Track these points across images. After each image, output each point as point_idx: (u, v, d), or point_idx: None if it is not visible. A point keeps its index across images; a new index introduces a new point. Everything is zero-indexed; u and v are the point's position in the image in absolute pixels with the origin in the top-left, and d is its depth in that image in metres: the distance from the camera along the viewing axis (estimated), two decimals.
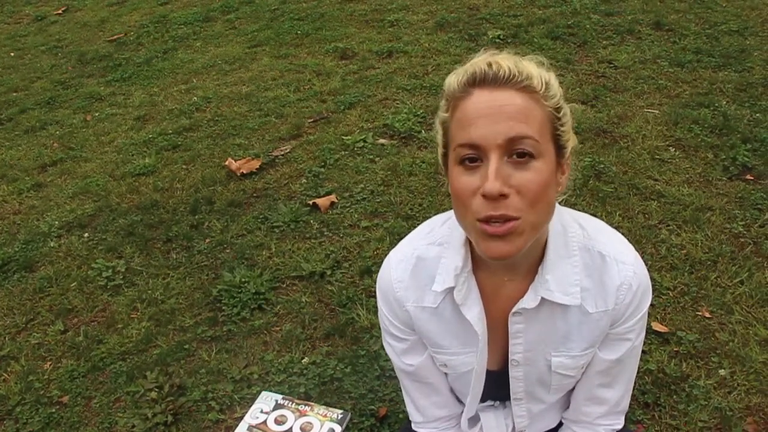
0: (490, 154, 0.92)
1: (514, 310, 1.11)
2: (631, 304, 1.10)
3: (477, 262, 1.12)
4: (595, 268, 1.10)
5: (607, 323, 1.12)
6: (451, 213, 1.13)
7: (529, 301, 1.09)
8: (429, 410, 1.33)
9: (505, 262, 1.00)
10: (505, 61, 0.95)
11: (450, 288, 1.12)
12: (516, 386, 1.23)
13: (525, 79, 0.93)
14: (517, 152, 0.92)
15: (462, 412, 1.33)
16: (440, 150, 1.04)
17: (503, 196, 0.92)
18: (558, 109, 0.98)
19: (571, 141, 1.02)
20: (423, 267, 1.16)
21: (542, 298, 1.09)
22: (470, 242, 1.10)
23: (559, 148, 0.99)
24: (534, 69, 0.96)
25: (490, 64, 0.95)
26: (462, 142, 0.95)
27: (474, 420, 1.34)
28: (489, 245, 0.95)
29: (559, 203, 1.10)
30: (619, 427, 1.28)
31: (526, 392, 1.24)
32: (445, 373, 1.28)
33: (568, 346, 1.15)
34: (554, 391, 1.23)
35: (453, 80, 0.98)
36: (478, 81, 0.95)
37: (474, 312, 1.13)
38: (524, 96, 0.93)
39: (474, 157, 0.94)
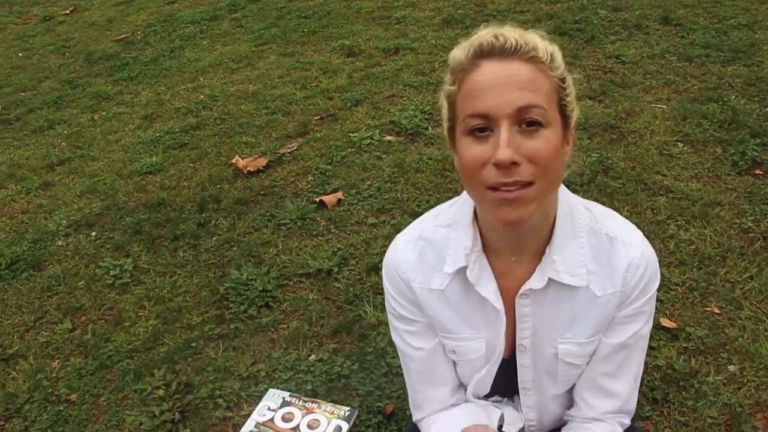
0: (500, 123, 0.93)
1: (521, 291, 1.11)
2: (639, 285, 1.11)
3: (485, 243, 1.13)
4: (603, 251, 1.10)
5: (615, 306, 1.12)
6: (458, 197, 1.15)
7: (535, 281, 1.10)
8: (432, 405, 1.31)
9: (516, 232, 1.04)
10: (511, 33, 0.96)
11: (461, 268, 1.12)
12: (524, 375, 1.22)
13: (531, 50, 0.95)
14: (526, 121, 0.94)
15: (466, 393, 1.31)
16: (445, 124, 1.05)
17: (515, 164, 0.93)
18: (563, 80, 1.00)
19: (576, 111, 1.03)
20: (430, 249, 1.16)
21: (549, 280, 1.09)
22: (478, 222, 1.11)
23: (564, 117, 1.00)
24: (539, 40, 0.98)
25: (496, 36, 0.96)
26: (472, 113, 0.96)
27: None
28: (501, 211, 0.96)
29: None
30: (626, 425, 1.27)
31: (534, 382, 1.23)
32: (454, 362, 1.27)
33: (574, 331, 1.15)
34: (561, 382, 1.22)
35: (459, 53, 1.00)
36: (486, 52, 0.96)
37: (490, 289, 1.13)
38: (531, 66, 0.95)
39: (484, 127, 0.95)
